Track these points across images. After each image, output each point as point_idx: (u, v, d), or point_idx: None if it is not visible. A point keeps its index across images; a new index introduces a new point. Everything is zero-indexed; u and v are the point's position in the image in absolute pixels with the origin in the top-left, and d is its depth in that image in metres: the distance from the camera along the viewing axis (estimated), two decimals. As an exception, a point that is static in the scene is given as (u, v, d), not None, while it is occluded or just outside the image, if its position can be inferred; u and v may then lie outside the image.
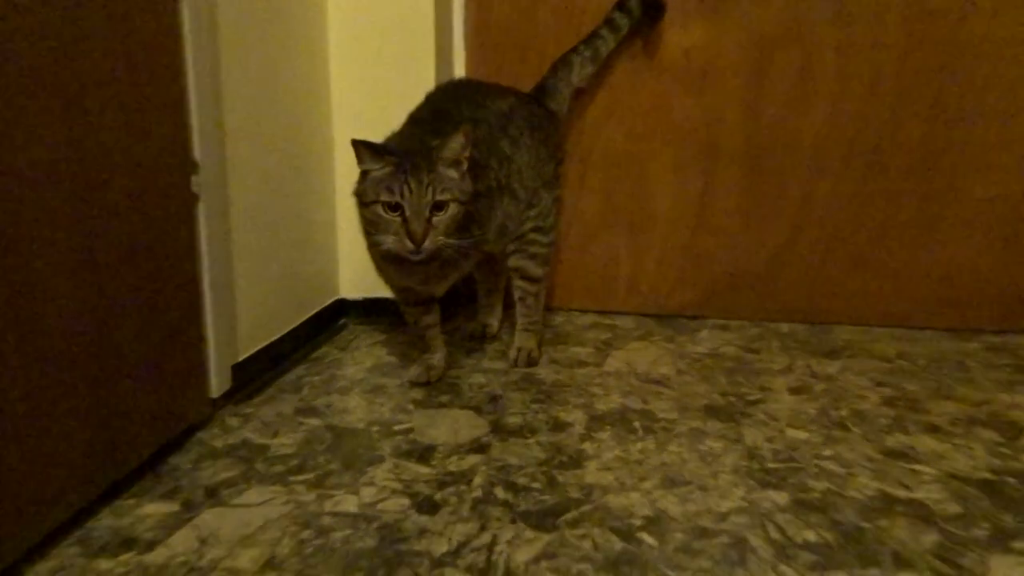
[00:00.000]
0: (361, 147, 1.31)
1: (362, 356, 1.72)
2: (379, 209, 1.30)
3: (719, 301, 1.99)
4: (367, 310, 1.94)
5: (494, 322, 1.86)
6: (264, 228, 1.59)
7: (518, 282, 1.68)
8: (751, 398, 1.49)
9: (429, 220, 1.30)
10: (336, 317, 1.92)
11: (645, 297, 2.02)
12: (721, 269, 1.98)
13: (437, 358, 1.60)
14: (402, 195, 1.29)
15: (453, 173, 1.33)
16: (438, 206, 1.31)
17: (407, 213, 1.29)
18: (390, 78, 1.81)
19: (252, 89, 1.51)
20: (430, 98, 1.59)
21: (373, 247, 1.39)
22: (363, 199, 1.33)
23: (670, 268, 2.00)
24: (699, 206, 1.96)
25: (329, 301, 1.89)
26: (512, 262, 1.66)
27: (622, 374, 1.61)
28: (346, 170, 1.85)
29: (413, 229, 1.29)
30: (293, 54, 1.67)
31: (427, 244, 1.30)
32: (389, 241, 1.31)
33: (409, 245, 1.29)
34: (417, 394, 1.51)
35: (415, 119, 1.52)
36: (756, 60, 1.86)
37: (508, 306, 1.87)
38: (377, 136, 1.41)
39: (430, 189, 1.29)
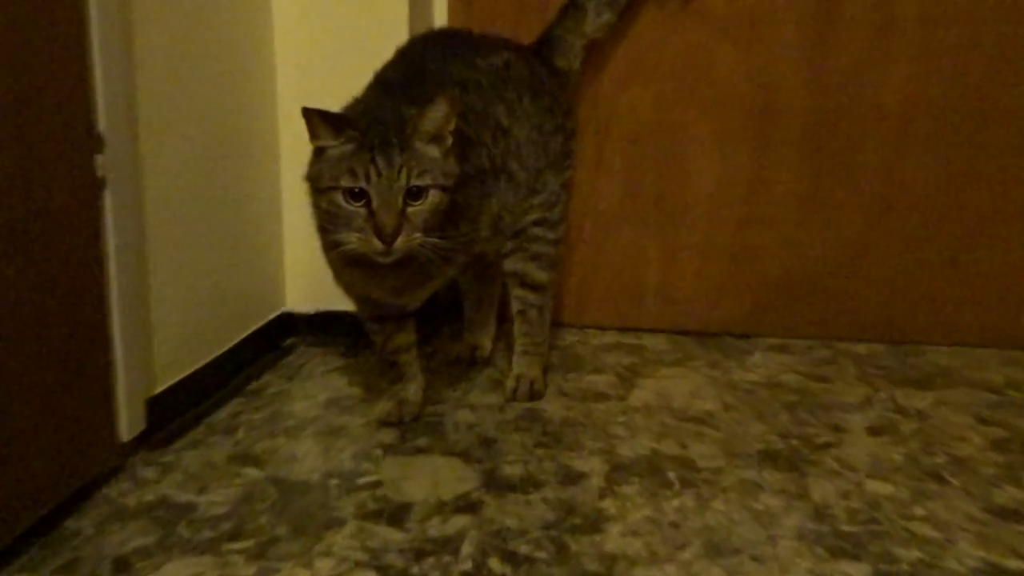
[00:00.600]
0: (315, 117, 1.31)
1: (315, 387, 1.71)
2: (338, 197, 1.30)
3: (776, 314, 1.99)
4: (321, 327, 1.94)
5: (486, 343, 1.86)
6: (189, 223, 1.58)
7: (517, 291, 1.68)
8: (819, 441, 1.49)
9: (403, 211, 1.29)
10: (281, 336, 1.92)
11: (681, 309, 2.03)
12: (778, 272, 1.98)
13: (412, 390, 1.59)
14: (368, 179, 1.28)
15: (434, 151, 1.33)
16: (414, 193, 1.30)
17: (374, 203, 1.28)
18: (350, 29, 1.81)
19: (173, 42, 1.51)
20: (403, 54, 1.58)
21: (330, 247, 1.38)
22: (317, 184, 1.32)
23: (712, 271, 2.00)
24: (748, 191, 1.96)
25: (272, 316, 1.89)
26: (510, 265, 1.66)
27: (652, 410, 1.61)
28: (295, 148, 1.84)
29: (382, 223, 1.28)
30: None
31: (400, 242, 1.29)
32: (352, 239, 1.30)
33: (377, 244, 1.29)
34: (387, 437, 1.50)
35: (383, 81, 1.51)
36: (820, 3, 1.87)
37: (504, 321, 1.87)
38: (335, 104, 1.40)
39: (404, 171, 1.29)
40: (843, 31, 1.87)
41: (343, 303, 1.59)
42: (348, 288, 1.51)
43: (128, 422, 1.39)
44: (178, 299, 1.56)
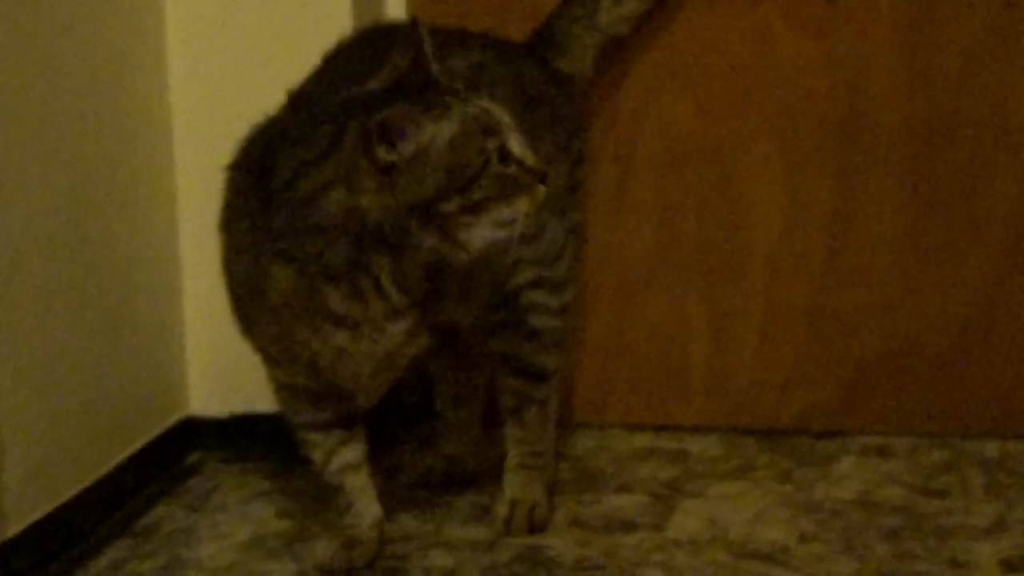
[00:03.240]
0: (381, 130, 1.38)
1: (230, 521, 1.71)
2: (490, 168, 1.40)
3: (872, 403, 1.99)
4: (238, 436, 1.94)
5: (467, 454, 1.85)
6: (49, 302, 1.59)
7: (510, 381, 1.69)
8: (934, 583, 1.50)
9: None
10: (182, 451, 1.92)
11: (738, 399, 2.03)
12: (873, 346, 1.98)
13: (366, 524, 1.60)
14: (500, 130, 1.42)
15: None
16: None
17: (515, 147, 1.43)
18: (271, 27, 1.84)
19: (19, 60, 1.53)
20: (332, 59, 1.62)
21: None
22: (453, 189, 1.39)
23: (781, 346, 2.01)
24: (830, 235, 1.97)
25: (169, 423, 1.89)
26: (498, 345, 1.68)
27: (701, 544, 1.61)
28: (197, 195, 1.85)
29: (531, 164, 1.43)
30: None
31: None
32: (515, 214, 1.41)
33: (540, 193, 1.43)
34: (331, 591, 1.51)
35: (299, 100, 1.55)
36: (923, -26, 1.90)
37: (493, 423, 1.86)
38: (237, 133, 1.46)
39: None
40: (954, 14, 1.89)
41: (266, 400, 1.60)
42: (291, 372, 1.54)
43: (-31, 578, 1.40)
44: (36, 407, 1.56)
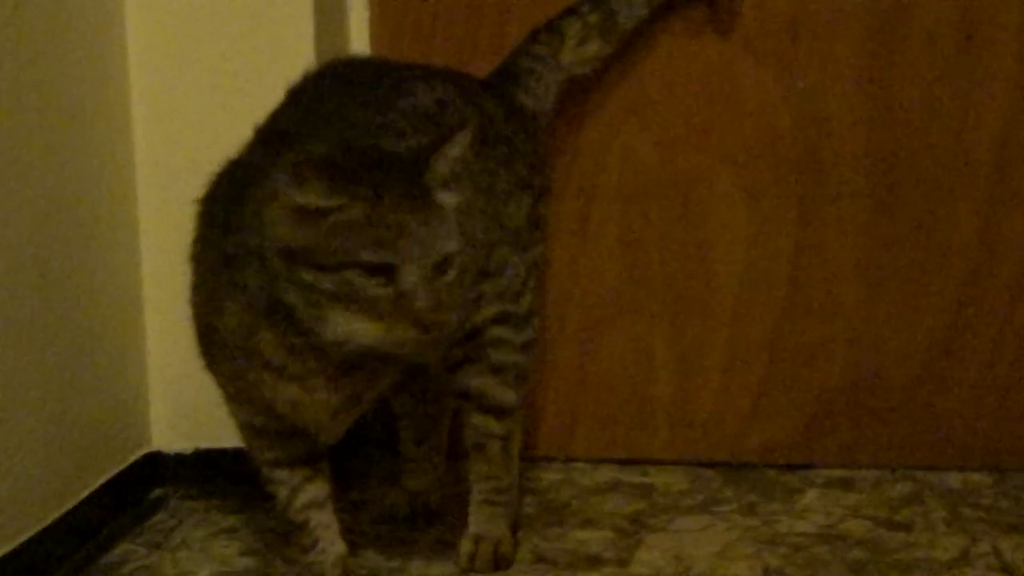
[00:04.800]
0: (309, 171, 1.33)
1: (193, 559, 1.70)
2: (352, 276, 1.33)
3: (835, 436, 2.00)
4: (202, 472, 1.93)
5: (431, 489, 1.86)
6: (9, 335, 1.59)
7: (474, 417, 1.69)
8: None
9: (437, 286, 1.36)
10: (145, 487, 1.91)
11: (702, 433, 2.03)
12: (836, 379, 1.99)
13: (330, 560, 1.59)
14: (396, 249, 1.34)
15: (452, 199, 1.42)
16: (442, 263, 1.37)
17: (407, 279, 1.33)
18: (232, 62, 1.84)
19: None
20: (296, 95, 1.61)
21: (348, 348, 1.39)
22: (318, 260, 1.34)
23: (745, 379, 2.01)
24: (793, 267, 1.98)
25: (131, 459, 1.88)
26: (462, 381, 1.67)
27: (665, 579, 1.62)
28: (160, 222, 1.86)
29: (418, 304, 1.33)
30: (60, 16, 1.71)
31: (439, 328, 1.36)
32: (364, 330, 1.34)
33: (409, 334, 1.34)
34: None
35: (269, 136, 1.54)
36: (885, 9, 1.90)
37: (457, 457, 1.85)
38: (199, 168, 1.46)
39: (433, 234, 1.36)
40: (915, 46, 1.91)
41: (236, 436, 1.60)
42: (251, 413, 1.53)
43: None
44: None
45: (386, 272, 1.33)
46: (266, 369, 1.43)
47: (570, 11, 1.83)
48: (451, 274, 1.37)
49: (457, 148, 1.40)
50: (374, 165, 1.38)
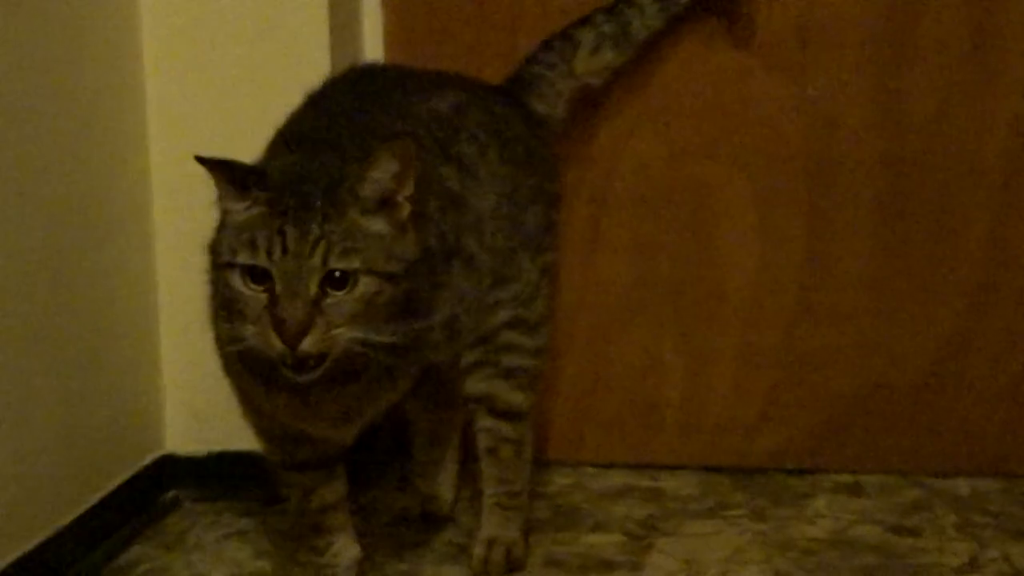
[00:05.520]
0: (216, 170, 1.34)
1: (206, 561, 1.71)
2: (234, 277, 1.33)
3: (845, 441, 2.00)
4: (215, 474, 1.93)
5: (445, 493, 1.86)
6: (21, 336, 1.59)
7: (486, 421, 1.69)
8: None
9: (317, 301, 1.31)
10: (158, 490, 1.91)
11: (712, 438, 2.03)
12: (846, 384, 1.99)
13: (344, 563, 1.60)
14: (270, 254, 1.31)
15: (378, 225, 1.37)
16: (337, 279, 1.32)
17: (277, 287, 1.31)
18: (248, 68, 1.84)
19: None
20: (316, 100, 1.62)
21: (231, 349, 1.41)
22: (216, 259, 1.37)
23: (755, 385, 2.02)
24: (803, 274, 1.98)
25: (144, 461, 1.89)
26: (474, 386, 1.68)
27: (676, 583, 1.62)
28: (173, 224, 1.87)
29: (284, 314, 1.30)
30: (76, 21, 1.72)
31: (309, 343, 1.31)
32: (246, 334, 1.34)
33: (276, 343, 1.31)
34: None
35: (291, 138, 1.55)
36: (894, 16, 1.91)
37: (470, 460, 1.85)
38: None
39: (321, 247, 1.32)
40: (925, 54, 1.91)
41: (249, 439, 1.60)
42: (259, 416, 1.54)
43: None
44: (12, 445, 1.56)
45: (265, 278, 1.32)
46: (257, 378, 1.43)
47: (584, 20, 1.83)
48: (354, 292, 1.33)
49: (383, 169, 1.35)
50: (298, 179, 1.36)
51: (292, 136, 1.55)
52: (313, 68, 1.79)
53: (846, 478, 1.99)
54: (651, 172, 1.99)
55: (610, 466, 2.05)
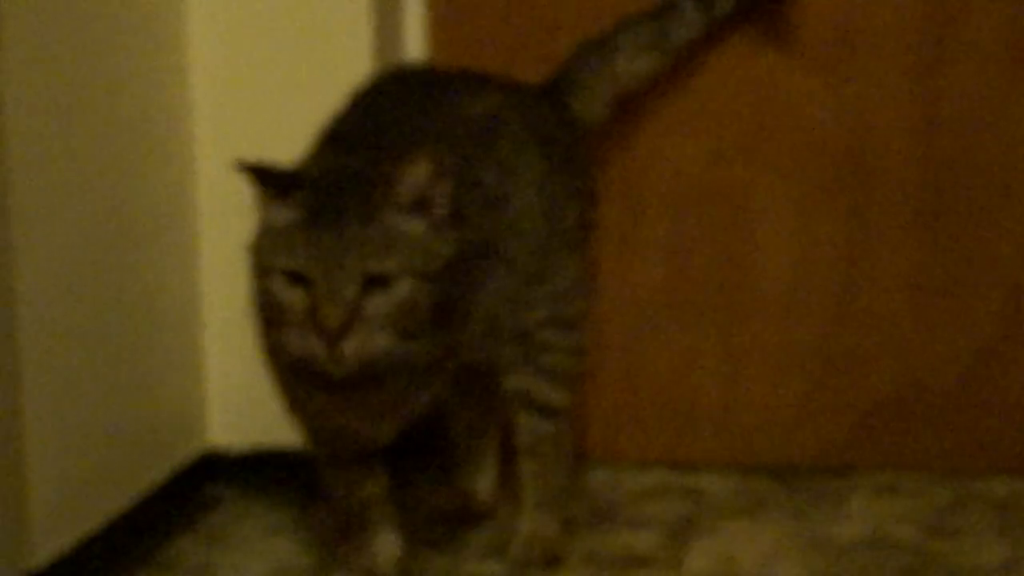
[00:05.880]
0: (255, 175, 1.37)
1: (249, 557, 1.72)
2: (274, 282, 1.36)
3: (882, 441, 2.01)
4: (259, 470, 1.95)
5: (484, 488, 1.87)
6: (73, 334, 1.61)
7: (524, 418, 1.69)
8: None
9: (357, 304, 1.34)
10: (202, 485, 1.93)
11: (749, 437, 2.04)
12: (883, 385, 2.00)
13: (386, 558, 1.62)
14: (309, 258, 1.34)
15: (415, 225, 1.39)
16: (376, 280, 1.35)
17: (318, 290, 1.33)
18: (291, 67, 1.86)
19: (49, 96, 1.56)
20: (357, 102, 1.64)
21: (272, 352, 1.44)
22: (256, 262, 1.39)
23: (793, 385, 2.02)
24: (841, 276, 1.99)
25: (188, 456, 1.90)
26: (512, 383, 1.68)
27: (713, 581, 1.63)
28: (218, 224, 1.89)
29: (325, 317, 1.32)
30: (122, 24, 1.74)
31: (352, 347, 1.33)
32: (291, 339, 1.36)
33: (317, 347, 1.33)
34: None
35: (334, 137, 1.57)
36: (933, 19, 1.91)
37: (508, 458, 1.85)
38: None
39: (360, 250, 1.34)
40: (964, 57, 1.92)
41: (291, 435, 1.61)
42: (300, 414, 1.54)
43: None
44: (60, 440, 1.57)
45: (304, 282, 1.34)
46: (298, 376, 1.45)
47: (625, 24, 1.84)
48: (392, 294, 1.35)
49: (418, 172, 1.38)
50: (333, 182, 1.39)
51: (332, 138, 1.58)
52: (357, 71, 1.80)
53: (884, 478, 1.98)
54: (687, 173, 2.00)
55: (647, 465, 2.06)
